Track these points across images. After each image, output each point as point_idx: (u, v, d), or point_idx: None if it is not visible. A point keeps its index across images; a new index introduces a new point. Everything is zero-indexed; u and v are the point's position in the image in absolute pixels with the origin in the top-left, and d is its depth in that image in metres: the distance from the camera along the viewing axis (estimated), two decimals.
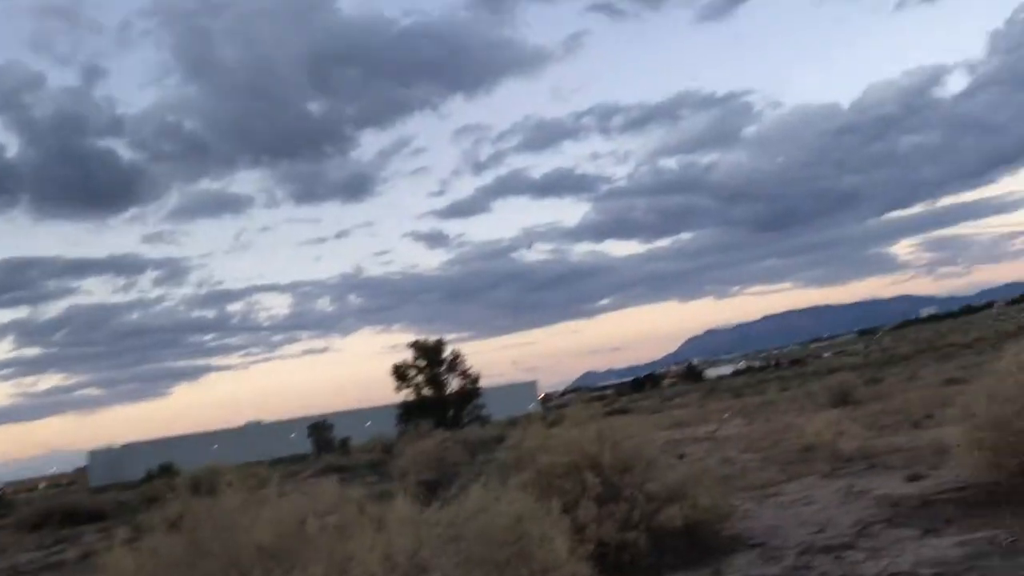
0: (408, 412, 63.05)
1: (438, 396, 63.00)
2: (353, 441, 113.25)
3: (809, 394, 36.30)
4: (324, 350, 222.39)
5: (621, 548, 8.12)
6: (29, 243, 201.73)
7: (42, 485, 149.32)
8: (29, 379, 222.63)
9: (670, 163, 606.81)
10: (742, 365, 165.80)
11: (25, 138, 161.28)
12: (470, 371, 64.35)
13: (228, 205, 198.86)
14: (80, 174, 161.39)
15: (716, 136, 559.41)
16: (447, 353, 64.04)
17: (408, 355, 65.16)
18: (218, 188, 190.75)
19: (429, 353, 63.43)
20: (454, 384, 64.01)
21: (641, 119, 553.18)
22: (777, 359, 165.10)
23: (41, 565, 18.94)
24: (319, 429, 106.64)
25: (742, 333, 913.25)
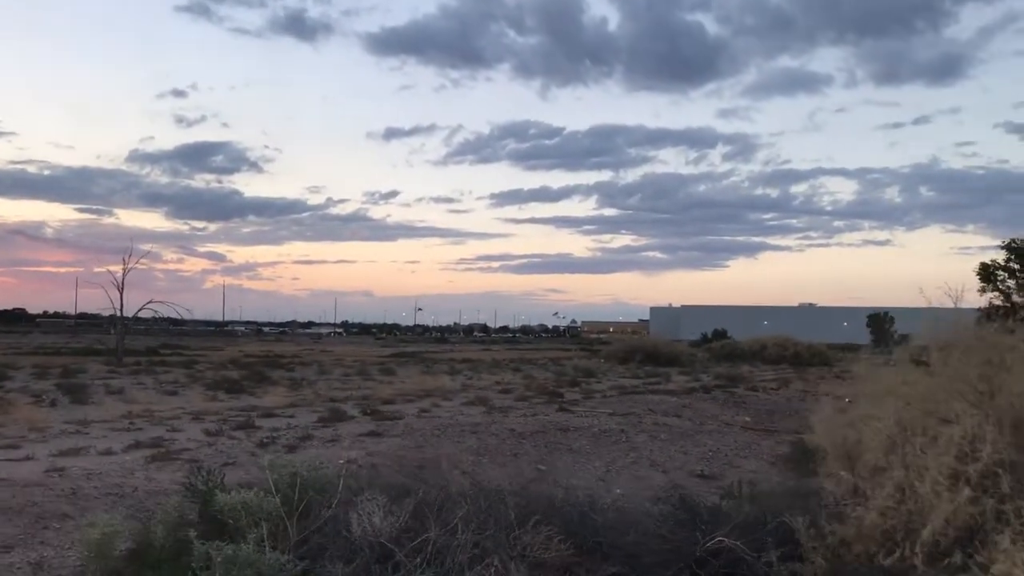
0: (989, 317, 56.26)
1: None
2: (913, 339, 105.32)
3: None
4: (885, 242, 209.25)
5: None
6: (617, 112, 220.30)
7: (611, 329, 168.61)
8: (606, 236, 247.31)
9: None
10: None
11: (625, 12, 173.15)
12: None
13: (804, 83, 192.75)
14: (669, 48, 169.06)
15: None
16: None
17: (998, 256, 57.46)
18: (796, 66, 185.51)
19: None
20: None
21: None
22: None
23: (644, 389, 20.65)
24: (879, 321, 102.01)
25: None
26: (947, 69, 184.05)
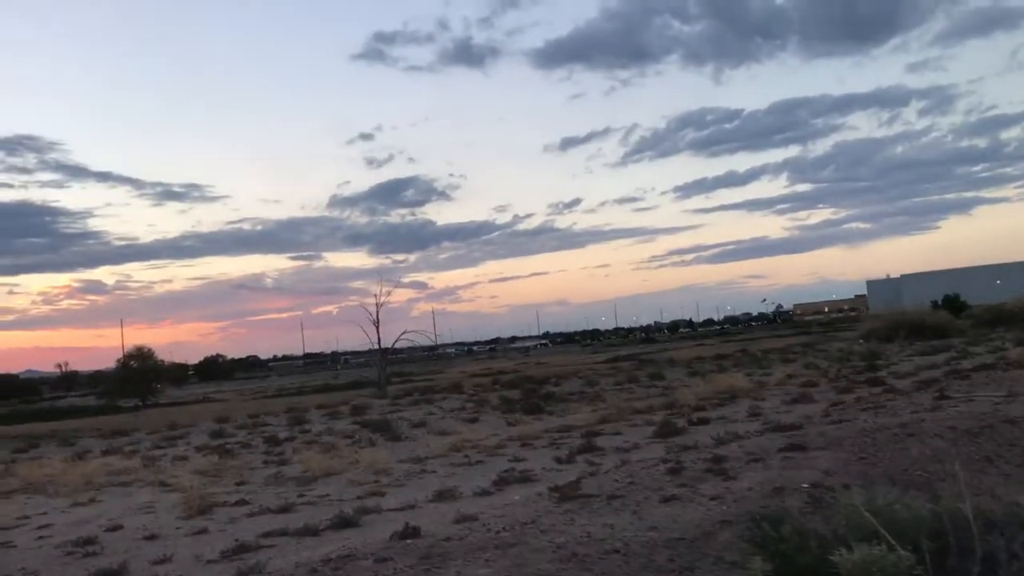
0: None
1: None
2: None
3: None
4: None
5: None
6: (798, 83, 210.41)
7: (825, 309, 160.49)
8: (802, 213, 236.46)
9: None
10: None
11: None
12: None
13: (1001, 20, 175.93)
14: (843, 9, 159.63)
15: None
16: None
17: None
18: (990, 3, 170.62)
19: None
20: None
21: None
22: None
23: (965, 368, 18.27)
24: None
25: None
26: None
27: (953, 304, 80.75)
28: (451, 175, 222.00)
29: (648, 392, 20.36)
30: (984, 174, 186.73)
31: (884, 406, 11.19)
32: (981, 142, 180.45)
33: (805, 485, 6.72)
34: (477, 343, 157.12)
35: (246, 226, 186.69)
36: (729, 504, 6.51)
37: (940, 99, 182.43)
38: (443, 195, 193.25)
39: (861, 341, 37.29)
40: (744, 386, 18.64)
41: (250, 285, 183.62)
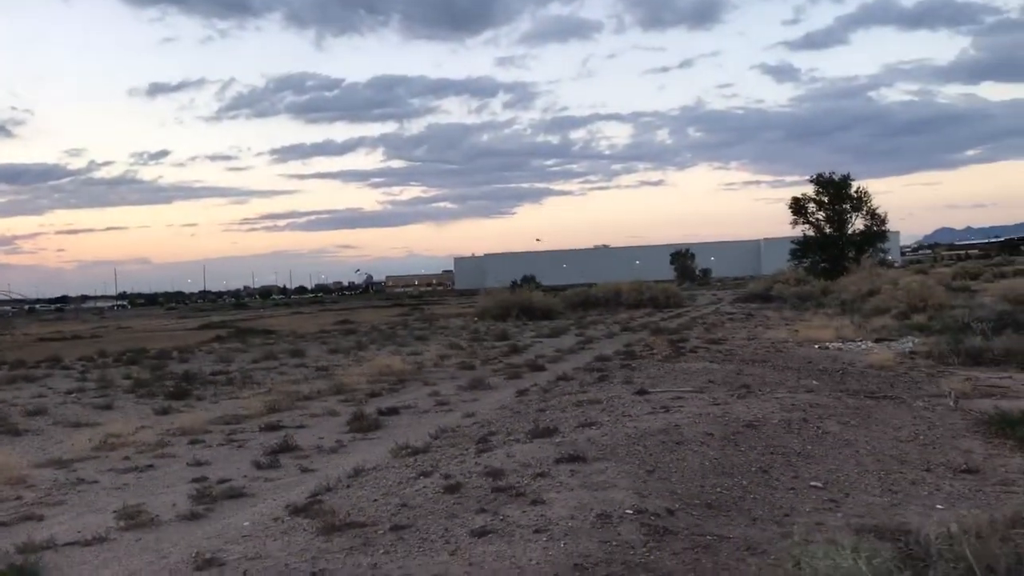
0: (805, 248, 60.29)
1: (838, 234, 59.15)
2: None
3: None
4: (659, 183, 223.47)
5: None
6: (398, 62, 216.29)
7: (416, 283, 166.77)
8: (396, 188, 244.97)
9: None
10: None
11: None
12: (878, 211, 59.24)
13: (576, 30, 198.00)
14: None
15: None
16: (854, 190, 59.31)
17: (808, 190, 61.11)
18: (567, 13, 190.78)
19: (834, 188, 59.11)
20: (858, 224, 59.53)
21: None
22: None
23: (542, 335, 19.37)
24: (682, 257, 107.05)
25: None
26: (706, 14, 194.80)
27: (531, 284, 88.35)
28: (14, 108, 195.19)
29: (304, 373, 18.79)
30: (555, 168, 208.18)
31: (599, 401, 11.13)
32: (554, 139, 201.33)
33: (629, 511, 6.09)
34: (40, 301, 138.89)
35: None
36: (560, 538, 5.64)
37: (523, 95, 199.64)
38: (2, 130, 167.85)
39: (476, 319, 38.72)
40: (403, 368, 17.95)
41: None
